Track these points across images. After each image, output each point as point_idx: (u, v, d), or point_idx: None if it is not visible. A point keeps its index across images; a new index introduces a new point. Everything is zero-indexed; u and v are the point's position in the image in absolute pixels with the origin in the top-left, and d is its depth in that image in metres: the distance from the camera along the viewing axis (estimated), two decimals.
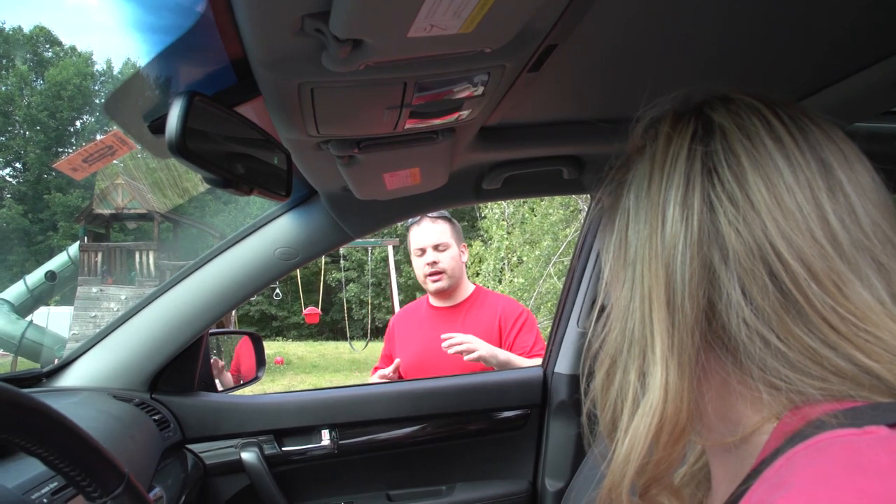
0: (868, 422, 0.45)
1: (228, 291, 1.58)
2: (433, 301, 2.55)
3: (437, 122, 0.98)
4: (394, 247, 16.76)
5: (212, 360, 1.91)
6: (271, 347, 18.93)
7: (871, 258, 0.52)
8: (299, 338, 25.86)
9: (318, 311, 17.47)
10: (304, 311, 17.34)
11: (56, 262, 17.15)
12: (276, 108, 0.85)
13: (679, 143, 0.59)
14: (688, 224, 0.56)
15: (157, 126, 0.82)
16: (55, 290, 17.28)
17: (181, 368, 1.68)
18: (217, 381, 1.94)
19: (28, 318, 16.12)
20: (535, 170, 1.49)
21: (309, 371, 15.74)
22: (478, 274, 12.66)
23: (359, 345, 18.15)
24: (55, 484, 0.92)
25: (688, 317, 0.55)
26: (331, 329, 27.01)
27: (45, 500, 0.89)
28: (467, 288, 2.54)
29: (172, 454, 1.58)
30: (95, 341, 1.59)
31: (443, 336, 2.23)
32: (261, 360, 2.04)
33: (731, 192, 0.55)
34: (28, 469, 0.92)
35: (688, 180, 0.57)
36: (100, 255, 16.56)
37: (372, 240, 16.91)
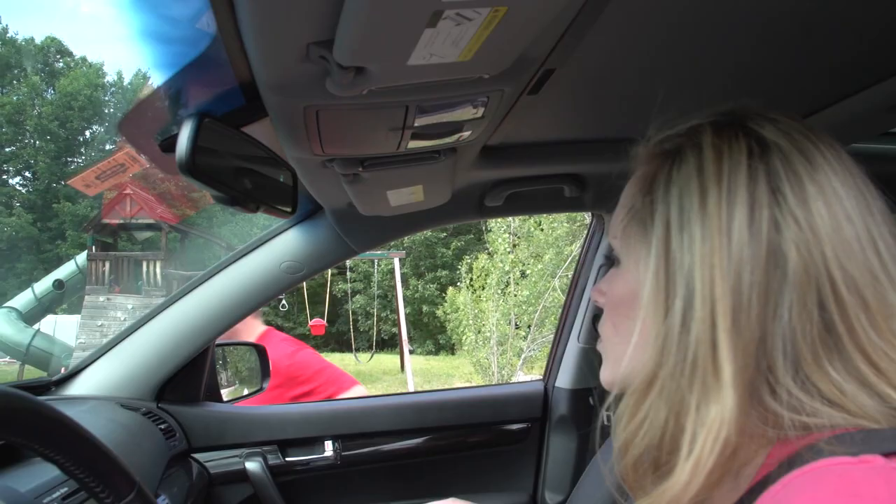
0: (863, 450, 0.45)
1: (234, 303, 1.60)
2: None
3: (438, 142, 1.00)
4: (400, 259, 16.74)
5: None
6: None
7: None
8: None
9: (324, 322, 17.39)
10: (310, 323, 17.28)
11: (64, 271, 17.24)
12: (283, 128, 0.88)
13: (734, 159, 0.57)
14: (757, 244, 0.54)
15: (168, 145, 0.85)
16: (63, 298, 17.36)
17: (188, 378, 1.70)
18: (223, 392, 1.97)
19: (35, 327, 16.19)
20: (537, 188, 1.51)
21: None
22: (483, 287, 12.65)
23: (364, 356, 18.05)
24: (66, 489, 0.95)
25: (754, 339, 0.53)
26: (336, 340, 26.85)
27: None
28: None
29: (178, 463, 1.60)
30: (104, 351, 1.61)
31: None
32: (265, 372, 2.06)
33: (796, 215, 0.54)
34: (40, 474, 0.95)
35: (753, 199, 0.55)
36: (107, 264, 16.58)
37: (378, 252, 16.89)
